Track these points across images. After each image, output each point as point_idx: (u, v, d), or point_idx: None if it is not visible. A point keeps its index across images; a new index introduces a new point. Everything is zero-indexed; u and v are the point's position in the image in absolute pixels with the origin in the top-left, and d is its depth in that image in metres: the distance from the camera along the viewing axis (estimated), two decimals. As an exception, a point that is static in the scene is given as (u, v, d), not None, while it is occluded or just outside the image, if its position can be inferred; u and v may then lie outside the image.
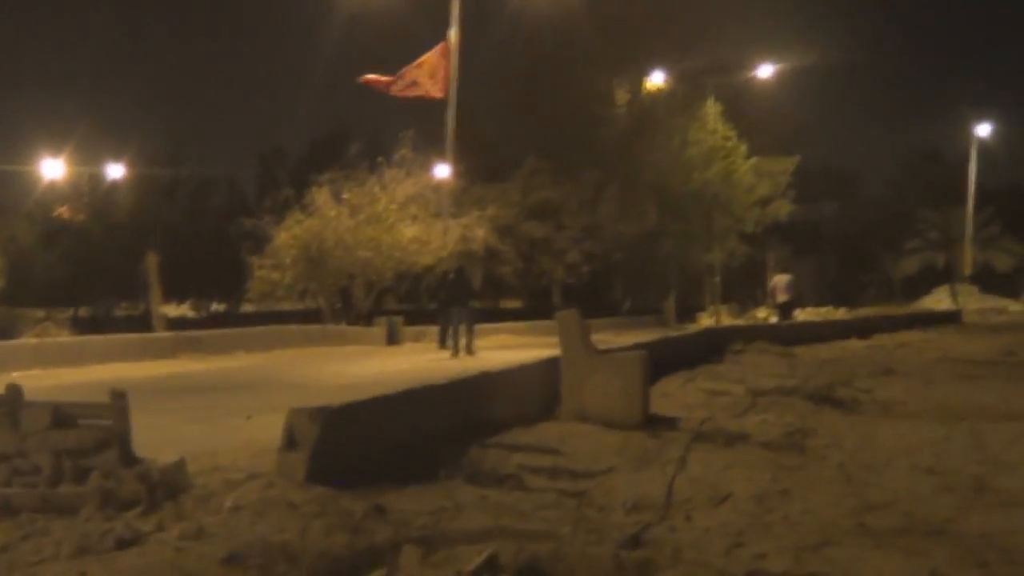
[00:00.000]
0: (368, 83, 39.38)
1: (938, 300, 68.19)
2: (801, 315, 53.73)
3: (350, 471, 9.28)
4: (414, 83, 39.07)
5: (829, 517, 8.92)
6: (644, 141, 52.67)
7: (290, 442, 9.32)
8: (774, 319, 39.43)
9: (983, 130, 69.61)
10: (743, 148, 53.51)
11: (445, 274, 32.77)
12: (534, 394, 14.31)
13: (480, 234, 41.52)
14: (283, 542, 7.43)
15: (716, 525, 8.71)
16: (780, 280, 36.66)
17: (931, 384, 19.79)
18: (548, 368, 14.69)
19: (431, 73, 38.99)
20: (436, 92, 39.37)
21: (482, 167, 47.75)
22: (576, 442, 12.21)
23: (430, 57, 39.14)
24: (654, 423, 13.60)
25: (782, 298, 36.53)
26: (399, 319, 37.21)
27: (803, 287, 46.56)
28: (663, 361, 17.53)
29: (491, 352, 28.13)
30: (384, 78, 39.34)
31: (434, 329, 34.19)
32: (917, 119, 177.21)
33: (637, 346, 17.58)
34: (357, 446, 9.91)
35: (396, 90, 39.26)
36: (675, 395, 16.82)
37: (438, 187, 41.08)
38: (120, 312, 61.08)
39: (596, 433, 12.80)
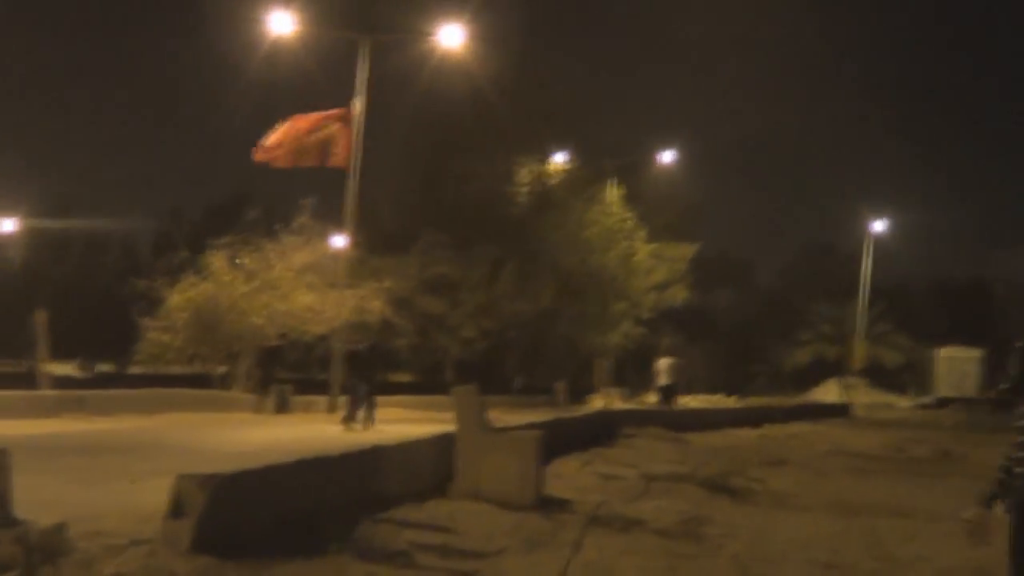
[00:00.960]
0: (264, 160, 38.50)
1: (827, 392, 68.93)
2: (693, 402, 54.01)
3: (237, 542, 9.02)
4: (311, 152, 38.57)
5: (725, 608, 8.83)
6: (543, 220, 52.87)
7: (176, 510, 9.04)
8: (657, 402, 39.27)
9: (878, 226, 70.59)
10: (643, 233, 53.85)
11: (357, 348, 33.22)
12: (427, 470, 14.08)
13: (376, 306, 41.20)
14: (164, 614, 7.17)
15: (612, 611, 8.58)
16: (664, 363, 36.53)
17: (823, 477, 19.90)
18: (442, 444, 14.49)
19: (333, 141, 38.64)
20: (337, 161, 39.03)
21: (381, 239, 47.58)
22: (468, 521, 12.02)
23: (331, 126, 38.75)
24: (548, 505, 13.45)
25: (664, 381, 36.33)
26: (289, 387, 36.75)
27: (688, 372, 46.59)
28: (556, 442, 17.39)
29: (384, 426, 27.84)
30: (279, 148, 38.45)
31: (323, 399, 34.14)
32: (813, 213, 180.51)
33: (531, 426, 17.46)
34: (246, 516, 9.64)
35: (293, 161, 38.63)
36: (569, 477, 16.68)
37: (335, 256, 40.74)
38: (3, 368, 59.92)
39: (489, 512, 12.61)
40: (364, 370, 30.44)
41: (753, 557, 11.13)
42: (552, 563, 10.17)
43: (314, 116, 37.64)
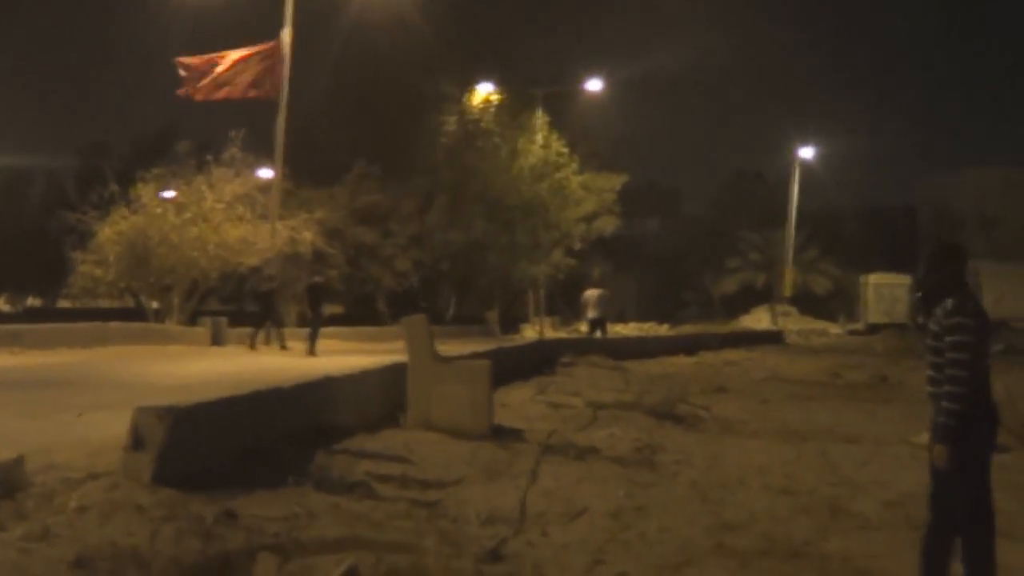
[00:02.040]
0: (190, 94, 37.74)
1: (757, 320, 69.38)
2: (625, 330, 54.27)
3: (197, 474, 8.93)
4: (239, 84, 37.93)
5: (687, 536, 8.87)
6: (473, 151, 52.60)
7: (136, 442, 8.90)
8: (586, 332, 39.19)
9: (806, 152, 70.79)
10: (574, 164, 53.76)
11: (315, 280, 35.36)
12: (378, 400, 14.04)
13: (307, 237, 40.97)
14: (133, 546, 7.07)
15: (574, 541, 8.61)
16: (592, 295, 36.33)
17: (767, 403, 20.03)
18: (392, 374, 14.43)
19: (261, 73, 38.03)
20: (266, 93, 38.42)
21: (312, 170, 47.10)
22: (424, 451, 11.99)
23: (257, 57, 38.10)
24: (500, 434, 13.46)
25: (592, 313, 36.20)
26: (223, 320, 36.46)
27: (616, 303, 46.60)
28: (498, 372, 17.33)
29: (322, 357, 27.85)
30: (206, 81, 37.68)
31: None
32: (742, 140, 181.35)
33: (476, 355, 17.41)
34: (205, 448, 9.53)
35: (221, 94, 37.93)
36: (516, 406, 16.67)
37: (266, 188, 40.35)
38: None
39: (444, 442, 12.60)
40: (318, 301, 32.28)
41: (710, 483, 11.17)
42: (511, 492, 10.16)
43: (242, 51, 37.06)
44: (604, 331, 36.38)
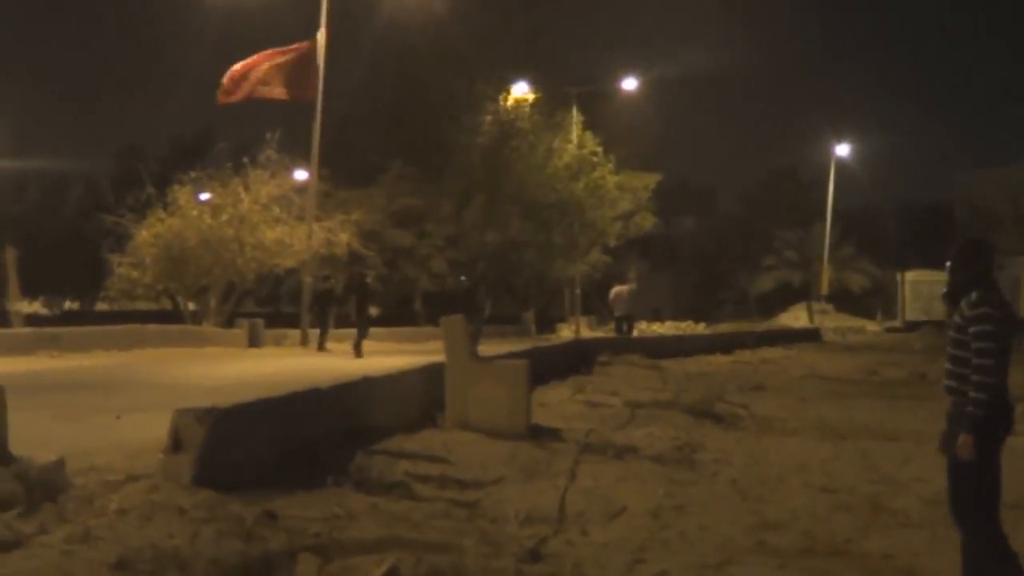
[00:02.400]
0: (227, 101, 37.70)
1: (795, 318, 69.29)
2: (661, 329, 54.16)
3: (237, 475, 8.95)
4: (274, 86, 37.88)
5: (727, 534, 8.80)
6: (509, 151, 52.54)
7: (176, 444, 8.93)
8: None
9: (842, 150, 70.49)
10: (610, 164, 53.71)
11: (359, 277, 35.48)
12: (416, 401, 14.04)
13: (344, 238, 41.10)
14: (173, 548, 7.06)
15: (613, 540, 8.56)
16: (621, 291, 36.06)
17: (804, 401, 19.92)
18: (430, 374, 14.43)
19: (297, 75, 37.99)
20: (302, 96, 38.39)
21: (348, 171, 47.15)
22: (462, 451, 11.98)
23: (293, 59, 38.06)
24: (538, 434, 13.42)
25: (620, 310, 35.94)
26: (260, 321, 36.58)
27: (649, 300, 46.33)
28: (536, 371, 17.32)
29: (366, 358, 27.93)
30: (243, 83, 37.68)
31: (294, 332, 34.46)
32: (777, 138, 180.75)
33: (513, 355, 17.40)
34: (244, 449, 9.55)
35: (256, 94, 37.83)
36: (553, 406, 16.66)
37: (302, 189, 40.45)
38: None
39: (481, 442, 12.57)
40: (366, 301, 32.85)
41: (750, 482, 11.10)
42: (550, 491, 10.13)
43: (277, 51, 37.05)
44: (631, 328, 36.10)
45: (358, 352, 29.65)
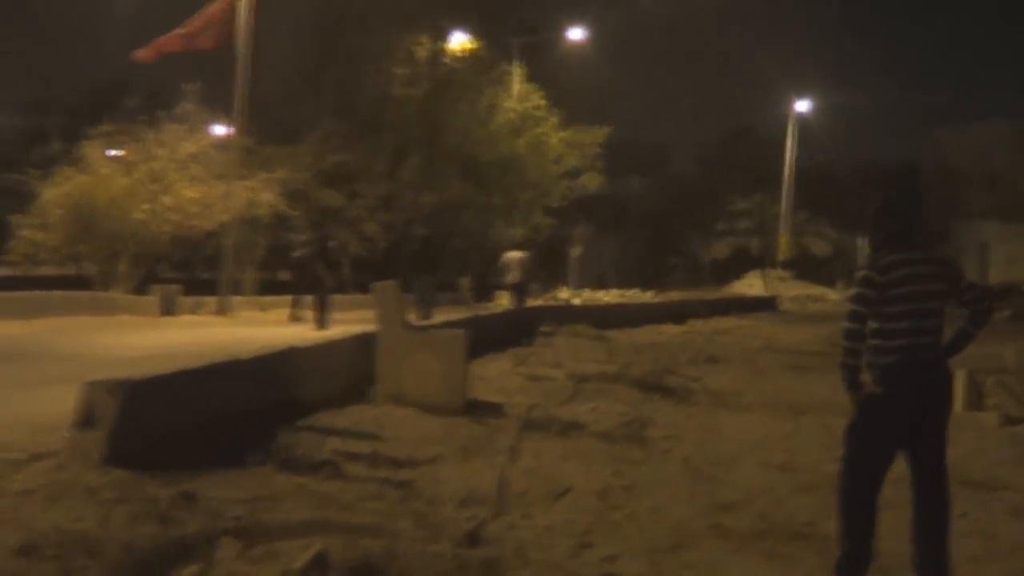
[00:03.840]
0: (142, 59, 37.30)
1: (750, 285, 69.46)
2: (607, 297, 54.21)
3: (152, 453, 8.85)
4: (195, 35, 37.49)
5: (681, 516, 8.84)
6: (446, 105, 52.30)
7: (85, 419, 8.82)
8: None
9: (802, 107, 70.63)
10: (555, 120, 53.64)
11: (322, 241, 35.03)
12: (346, 373, 13.97)
13: (268, 198, 40.73)
14: (83, 531, 7.01)
15: (558, 522, 8.58)
16: (512, 258, 35.04)
17: (761, 374, 20.07)
18: (361, 344, 14.37)
19: (213, 23, 37.62)
20: (213, 42, 37.99)
21: (273, 127, 46.57)
22: (395, 427, 11.96)
23: (214, 9, 37.72)
24: (477, 408, 13.43)
25: (512, 277, 34.48)
26: (175, 288, 36.27)
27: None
28: (474, 342, 17.30)
29: (277, 328, 27.76)
30: (160, 43, 37.27)
31: (212, 299, 34.32)
32: (734, 95, 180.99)
33: (450, 324, 17.40)
34: (159, 425, 9.47)
35: (178, 47, 37.41)
36: (493, 379, 16.64)
37: (223, 146, 40.07)
38: None
39: (416, 417, 12.55)
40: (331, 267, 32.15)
41: (704, 460, 11.16)
42: (489, 471, 10.15)
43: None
44: (524, 298, 35.29)
45: (323, 322, 29.07)
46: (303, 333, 22.80)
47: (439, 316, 22.67)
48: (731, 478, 10.29)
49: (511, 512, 8.81)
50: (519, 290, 34.58)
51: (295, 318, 31.79)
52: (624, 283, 69.61)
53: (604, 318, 30.77)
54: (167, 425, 9.59)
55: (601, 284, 65.29)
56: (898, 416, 6.86)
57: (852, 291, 7.10)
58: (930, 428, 6.92)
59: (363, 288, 36.93)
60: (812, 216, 75.29)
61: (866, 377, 6.96)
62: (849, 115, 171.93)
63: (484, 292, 55.54)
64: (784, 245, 69.78)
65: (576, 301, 45.84)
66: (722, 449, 11.76)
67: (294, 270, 34.49)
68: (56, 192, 37.34)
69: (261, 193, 40.11)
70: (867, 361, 6.96)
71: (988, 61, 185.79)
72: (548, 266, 65.44)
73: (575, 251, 67.57)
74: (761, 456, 11.34)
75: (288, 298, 34.75)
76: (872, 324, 6.89)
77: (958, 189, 77.90)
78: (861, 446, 7.00)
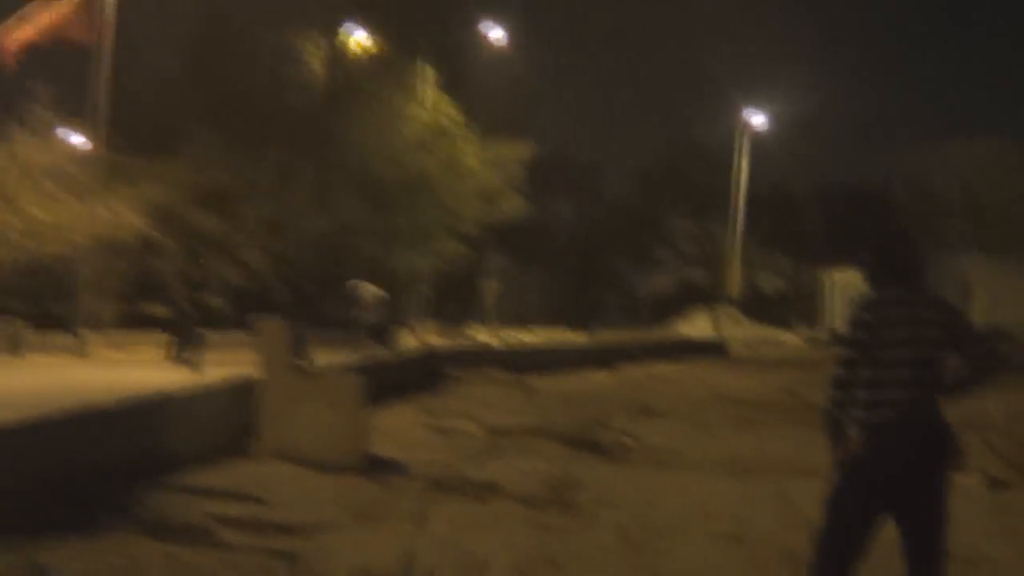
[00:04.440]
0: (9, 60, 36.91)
1: (694, 325, 69.47)
2: (529, 337, 54.22)
3: (-8, 517, 8.73)
4: (44, 29, 37.11)
5: (616, 598, 8.78)
6: (344, 115, 52.15)
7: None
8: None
9: (756, 121, 70.84)
10: (471, 135, 53.66)
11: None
12: (222, 423, 13.88)
13: (133, 220, 40.41)
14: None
15: (474, 602, 8.49)
16: (368, 294, 33.83)
17: (706, 429, 20.04)
18: (240, 391, 14.26)
19: (76, 16, 37.30)
20: (81, 37, 37.69)
21: (141, 138, 46.23)
22: (280, 487, 11.87)
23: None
24: (376, 466, 13.38)
25: (373, 318, 35.10)
26: (21, 324, 35.91)
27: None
28: (373, 388, 17.24)
29: (145, 370, 27.50)
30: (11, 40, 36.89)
31: (64, 337, 34.00)
32: (677, 108, 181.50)
33: (346, 369, 17.34)
34: (1, 484, 9.32)
35: (24, 40, 37.06)
36: (395, 432, 16.59)
37: (81, 159, 39.76)
38: None
39: (304, 476, 12.50)
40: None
41: (642, 529, 11.07)
42: (392, 540, 10.05)
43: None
44: (388, 340, 33.91)
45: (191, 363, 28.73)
46: (173, 378, 22.61)
47: (335, 358, 22.51)
48: (673, 551, 10.23)
49: (418, 591, 8.73)
50: (379, 334, 34.68)
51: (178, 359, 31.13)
52: (549, 322, 69.58)
53: (525, 362, 30.80)
54: (10, 484, 9.46)
55: (523, 322, 65.32)
56: (889, 481, 6.82)
57: (842, 333, 7.11)
58: (926, 498, 6.88)
59: (244, 325, 36.73)
60: (766, 247, 75.47)
61: (853, 433, 6.86)
62: (810, 132, 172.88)
63: (383, 330, 55.35)
64: (734, 279, 69.97)
65: (493, 342, 45.74)
66: (662, 517, 11.71)
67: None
68: None
69: (125, 214, 39.77)
70: (853, 416, 6.82)
71: (969, 76, 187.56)
72: (461, 301, 65.48)
73: (490, 285, 67.38)
74: (708, 525, 11.30)
75: (159, 336, 34.34)
76: (863, 373, 6.78)
77: (935, 216, 78.45)
78: (841, 516, 6.88)
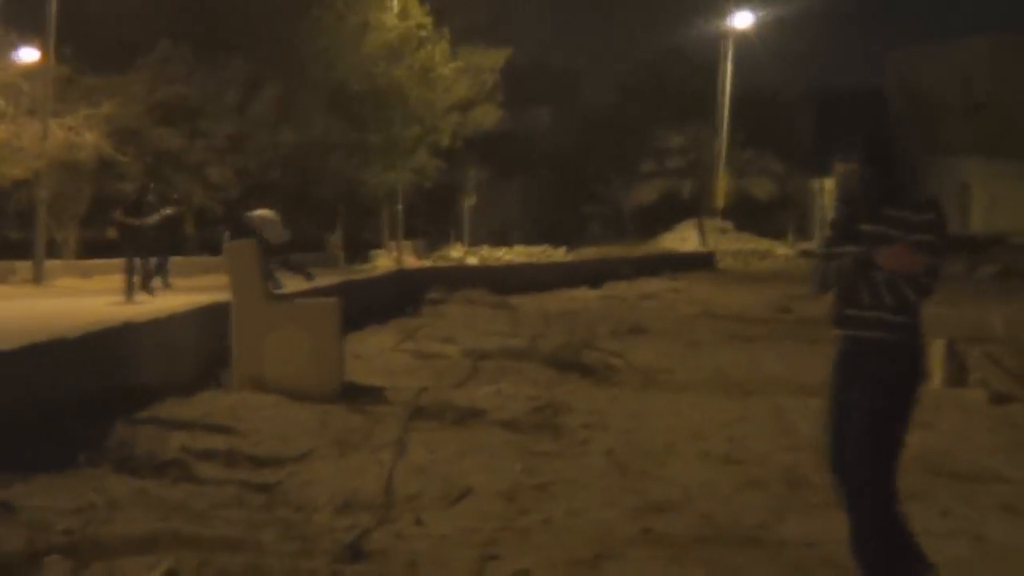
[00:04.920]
0: None
1: (682, 239, 69.31)
2: (509, 255, 54.16)
3: (-43, 455, 8.82)
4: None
5: (604, 521, 8.84)
6: (310, 24, 51.73)
7: None
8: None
9: (741, 21, 70.27)
10: (444, 42, 53.34)
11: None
12: (193, 353, 13.95)
13: (90, 139, 40.19)
14: None
15: (457, 530, 8.54)
16: (261, 217, 31.38)
17: (697, 347, 20.18)
18: (212, 318, 14.32)
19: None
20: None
21: (97, 51, 45.72)
22: (256, 418, 11.95)
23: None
24: (354, 393, 13.48)
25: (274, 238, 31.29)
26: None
27: (489, 216, 45.19)
28: (349, 312, 17.26)
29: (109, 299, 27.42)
30: None
31: (25, 264, 33.83)
32: (659, 9, 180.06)
33: (320, 292, 17.40)
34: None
35: None
36: (372, 357, 16.72)
37: (33, 74, 39.52)
38: None
39: (281, 406, 12.56)
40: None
41: (632, 452, 11.17)
42: (372, 469, 10.12)
43: None
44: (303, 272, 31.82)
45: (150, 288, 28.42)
46: (140, 308, 22.59)
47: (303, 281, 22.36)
48: (665, 473, 10.31)
49: (400, 519, 8.77)
50: (292, 264, 31.21)
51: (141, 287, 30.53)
52: (530, 238, 69.31)
53: (506, 282, 30.86)
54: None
55: (503, 240, 65.20)
56: None
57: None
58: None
59: (213, 249, 36.61)
60: (758, 153, 74.94)
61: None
62: (799, 32, 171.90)
63: (359, 251, 55.27)
64: (721, 189, 69.61)
65: (472, 261, 45.86)
66: (653, 438, 11.80)
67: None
68: None
69: (83, 133, 39.58)
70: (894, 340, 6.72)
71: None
72: (437, 218, 65.39)
73: (469, 200, 67.31)
74: (701, 446, 11.40)
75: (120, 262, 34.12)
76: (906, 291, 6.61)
77: (933, 120, 78.10)
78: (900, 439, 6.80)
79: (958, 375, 15.16)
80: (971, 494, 9.47)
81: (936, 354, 15.03)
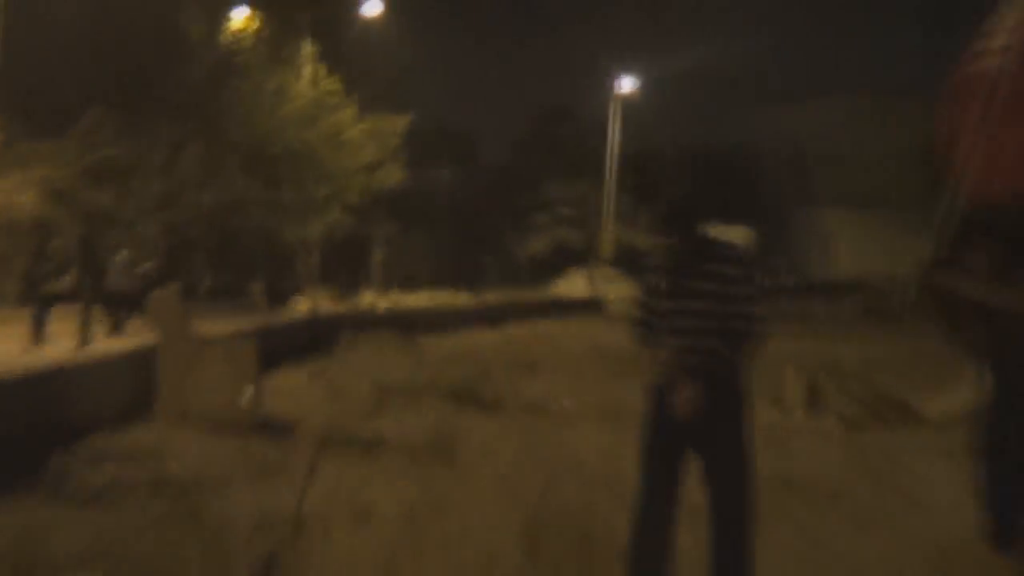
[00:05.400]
0: None
1: (572, 285, 69.60)
2: (416, 300, 54.21)
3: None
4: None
5: (494, 539, 8.95)
6: (229, 92, 51.74)
7: None
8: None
9: (627, 85, 70.87)
10: (352, 108, 53.47)
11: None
12: (123, 391, 13.92)
13: (27, 200, 39.93)
14: None
15: (361, 548, 8.64)
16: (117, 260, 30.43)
17: (583, 382, 20.28)
18: (140, 359, 14.33)
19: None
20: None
21: (31, 119, 45.68)
22: (180, 449, 11.96)
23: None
24: (271, 426, 13.49)
25: (120, 285, 29.24)
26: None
27: (396, 266, 45.34)
28: (267, 353, 17.31)
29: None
30: None
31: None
32: (549, 75, 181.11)
33: (240, 334, 17.43)
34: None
35: None
36: (288, 393, 16.70)
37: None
38: None
39: (203, 438, 12.56)
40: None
41: (521, 476, 11.28)
42: (286, 493, 10.17)
43: None
44: (135, 310, 29.75)
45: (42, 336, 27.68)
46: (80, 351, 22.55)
47: (229, 325, 22.37)
48: (550, 496, 10.44)
49: (311, 538, 8.87)
50: (127, 303, 29.30)
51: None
52: (435, 284, 69.53)
53: (412, 324, 30.93)
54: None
55: (411, 285, 65.24)
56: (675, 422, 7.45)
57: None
58: (714, 443, 7.56)
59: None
60: (640, 206, 75.31)
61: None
62: (680, 94, 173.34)
63: (278, 297, 55.19)
64: (607, 240, 70.00)
65: (382, 305, 45.77)
66: (540, 464, 11.93)
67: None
68: None
69: (19, 195, 39.31)
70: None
71: (827, 34, 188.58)
72: (351, 267, 65.36)
73: (378, 253, 67.46)
74: (584, 471, 11.55)
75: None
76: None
77: (802, 173, 78.83)
78: (647, 442, 7.84)
79: (816, 405, 15.39)
80: (825, 511, 9.66)
81: (797, 386, 15.29)
